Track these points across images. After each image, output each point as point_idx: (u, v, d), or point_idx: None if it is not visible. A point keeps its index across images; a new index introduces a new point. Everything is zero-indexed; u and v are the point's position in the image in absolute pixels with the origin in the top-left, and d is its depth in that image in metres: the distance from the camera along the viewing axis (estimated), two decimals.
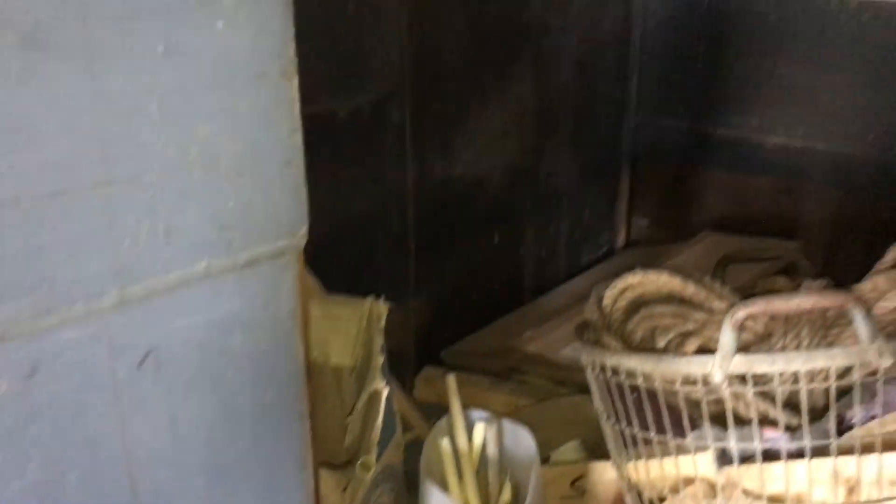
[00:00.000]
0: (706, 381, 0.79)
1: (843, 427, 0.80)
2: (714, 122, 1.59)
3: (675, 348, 0.91)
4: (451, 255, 1.40)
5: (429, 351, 1.33)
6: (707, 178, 1.63)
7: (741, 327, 0.78)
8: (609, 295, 0.97)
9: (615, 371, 0.87)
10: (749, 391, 0.79)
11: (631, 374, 0.85)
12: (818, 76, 1.45)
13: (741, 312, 0.75)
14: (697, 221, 1.62)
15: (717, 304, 0.92)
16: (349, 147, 1.16)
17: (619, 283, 0.96)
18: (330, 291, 0.92)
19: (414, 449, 0.93)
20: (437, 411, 0.99)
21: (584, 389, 1.13)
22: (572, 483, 1.02)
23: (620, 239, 1.75)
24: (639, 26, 1.63)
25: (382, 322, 0.82)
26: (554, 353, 1.25)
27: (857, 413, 0.79)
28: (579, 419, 1.15)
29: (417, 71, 1.25)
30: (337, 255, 1.15)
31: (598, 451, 1.05)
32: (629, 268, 1.47)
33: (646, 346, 0.94)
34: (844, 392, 0.78)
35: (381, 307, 0.84)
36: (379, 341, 0.81)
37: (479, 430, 0.94)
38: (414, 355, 1.31)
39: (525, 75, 1.46)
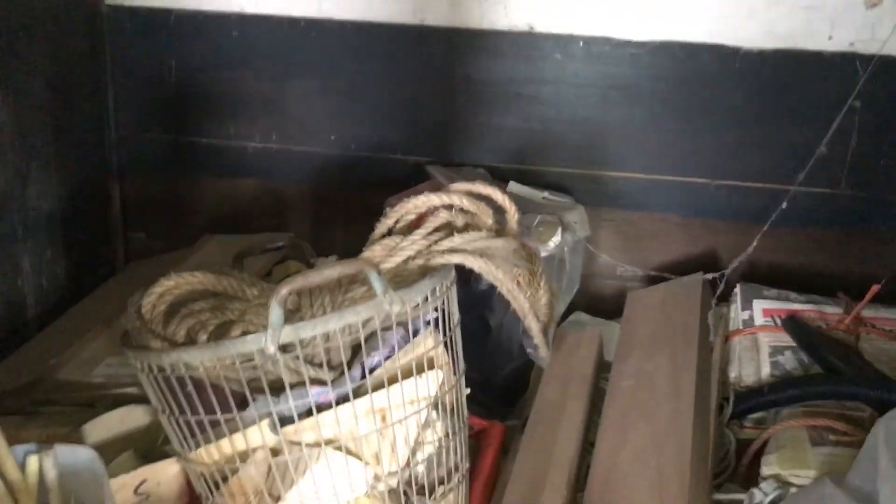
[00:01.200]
0: (262, 356, 0.89)
1: (373, 367, 0.97)
2: (195, 132, 1.69)
3: (218, 338, 0.99)
4: None
5: None
6: (198, 186, 1.72)
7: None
8: (147, 302, 1.00)
9: (173, 368, 0.92)
10: (298, 356, 0.91)
11: (190, 367, 0.92)
12: (282, 87, 1.64)
13: (284, 290, 0.86)
14: (194, 227, 1.70)
15: (251, 292, 1.03)
16: None
17: (156, 289, 1.00)
18: None
19: None
20: None
21: (123, 403, 1.16)
22: (136, 490, 1.04)
23: (119, 255, 1.75)
24: (109, 44, 1.64)
25: None
26: (88, 375, 1.22)
27: (381, 353, 0.97)
28: (126, 432, 1.16)
29: None
30: None
31: (151, 455, 1.09)
32: (135, 282, 1.49)
33: (191, 343, 1.00)
34: (368, 339, 0.95)
35: None
36: None
37: (32, 462, 0.91)
38: None
39: None
